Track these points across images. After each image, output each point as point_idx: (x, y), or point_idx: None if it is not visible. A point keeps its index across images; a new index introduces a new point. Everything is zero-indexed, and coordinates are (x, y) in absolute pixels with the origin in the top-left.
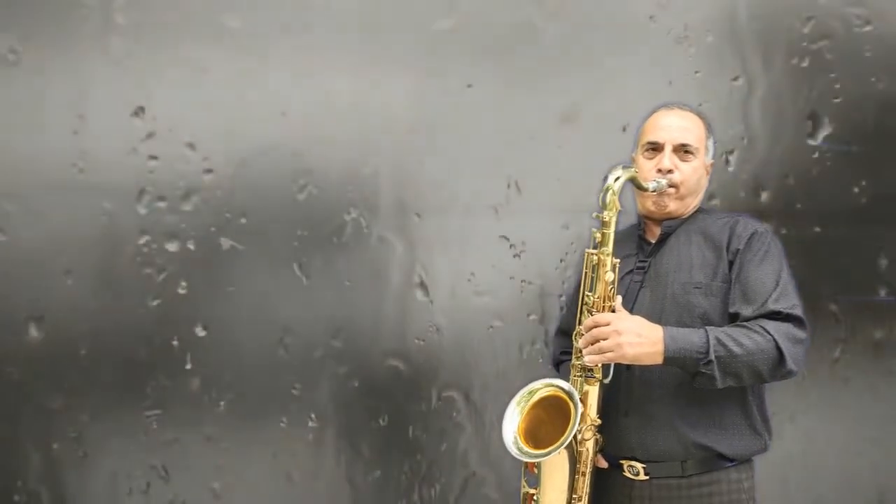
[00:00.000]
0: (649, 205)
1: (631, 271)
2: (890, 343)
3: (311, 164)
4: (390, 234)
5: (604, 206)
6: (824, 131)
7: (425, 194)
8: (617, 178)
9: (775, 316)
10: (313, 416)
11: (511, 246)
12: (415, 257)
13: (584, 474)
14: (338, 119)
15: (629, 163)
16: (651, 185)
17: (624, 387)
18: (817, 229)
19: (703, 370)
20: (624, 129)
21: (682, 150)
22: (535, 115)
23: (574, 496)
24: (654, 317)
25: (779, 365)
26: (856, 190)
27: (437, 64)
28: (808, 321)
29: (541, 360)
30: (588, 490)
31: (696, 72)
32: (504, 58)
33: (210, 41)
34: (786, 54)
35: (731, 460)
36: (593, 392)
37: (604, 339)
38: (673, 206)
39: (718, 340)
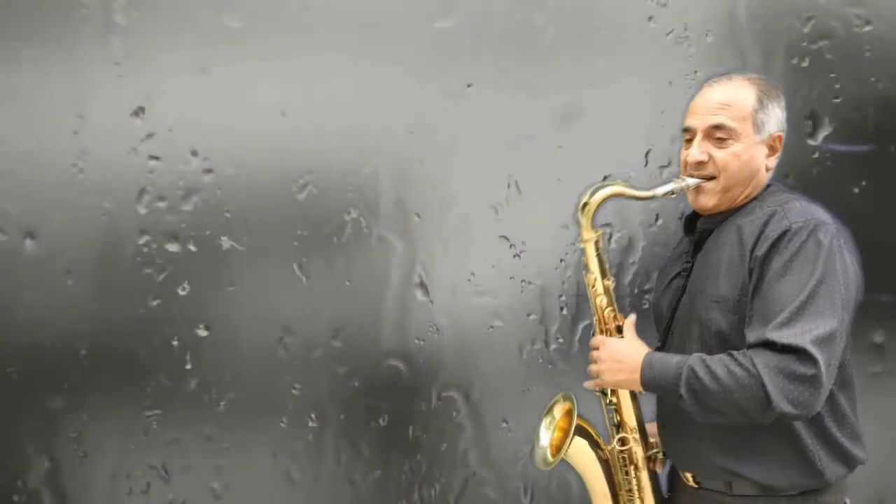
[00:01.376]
0: (691, 201)
1: (678, 274)
2: (890, 343)
3: (311, 164)
4: (390, 234)
5: (579, 232)
6: (824, 131)
7: (425, 194)
8: (585, 204)
9: (771, 346)
10: (313, 416)
11: (511, 246)
12: (415, 257)
13: (627, 473)
14: (338, 119)
15: (617, 175)
16: (660, 191)
17: (659, 397)
18: None
19: (680, 403)
20: (624, 129)
21: (717, 135)
22: (534, 115)
23: (625, 491)
24: (685, 330)
25: (765, 406)
26: (856, 190)
27: (437, 64)
28: (831, 349)
29: (541, 360)
30: (645, 485)
31: (696, 72)
32: (504, 58)
33: (210, 41)
34: (786, 54)
35: (781, 490)
36: (624, 400)
37: (593, 364)
38: (714, 201)
39: (693, 372)
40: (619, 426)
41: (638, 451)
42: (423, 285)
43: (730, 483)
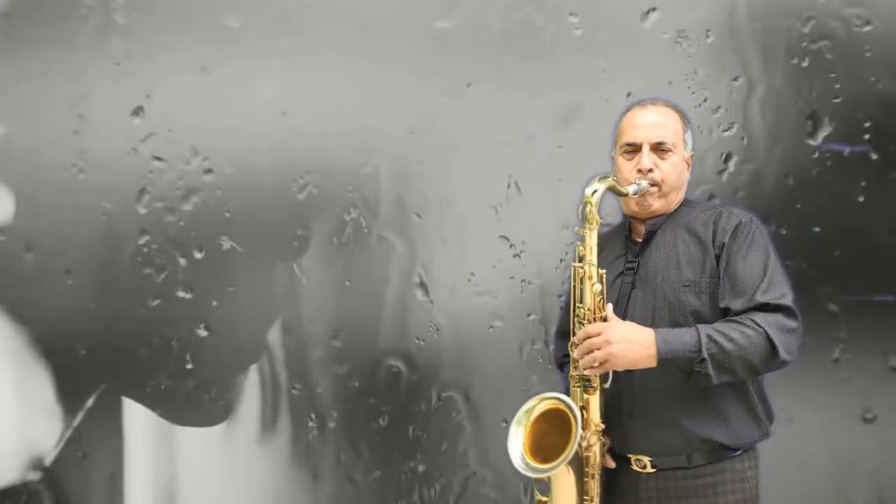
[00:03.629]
0: (633, 206)
1: (622, 273)
2: (890, 343)
3: (311, 164)
4: (390, 234)
5: (584, 220)
6: (824, 131)
7: (425, 194)
8: (594, 192)
9: (765, 308)
10: (313, 416)
11: (511, 246)
12: (415, 257)
13: (592, 477)
14: (338, 119)
15: (608, 171)
16: (631, 189)
17: (626, 389)
18: (817, 229)
19: (698, 368)
20: None
21: (660, 148)
22: (534, 115)
23: (585, 498)
24: (648, 316)
25: (772, 357)
26: (855, 190)
27: (437, 64)
28: (799, 309)
29: (540, 360)
30: (598, 491)
31: (696, 72)
32: (504, 58)
33: (210, 41)
34: (786, 54)
35: (735, 450)
36: (594, 398)
37: (597, 350)
38: (657, 204)
39: (710, 338)
40: (585, 424)
41: (596, 451)
42: (423, 285)
43: (690, 455)
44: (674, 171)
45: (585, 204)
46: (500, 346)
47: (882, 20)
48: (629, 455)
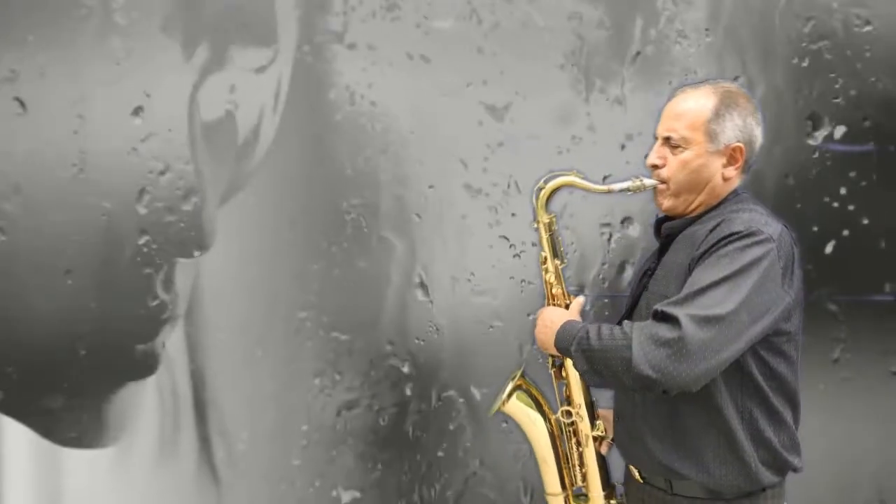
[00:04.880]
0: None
1: (646, 272)
2: (890, 343)
3: (310, 163)
4: (390, 234)
5: (536, 212)
6: (824, 131)
7: (425, 194)
8: (539, 189)
9: (655, 314)
10: (313, 416)
11: (511, 246)
12: (415, 257)
13: (571, 446)
14: (337, 118)
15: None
16: (617, 186)
17: (618, 391)
18: (817, 229)
19: (575, 364)
20: (624, 129)
21: (668, 143)
22: (535, 115)
23: (570, 464)
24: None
25: (629, 366)
26: (856, 190)
27: (437, 63)
28: (713, 331)
29: (541, 360)
30: (589, 462)
31: (696, 72)
32: (505, 57)
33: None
34: (786, 54)
35: (718, 497)
36: (574, 374)
37: (535, 328)
38: (666, 203)
39: (587, 333)
40: (569, 401)
41: (582, 428)
42: (423, 285)
43: (670, 482)
44: (681, 169)
45: (536, 194)
46: (500, 346)
47: (882, 20)
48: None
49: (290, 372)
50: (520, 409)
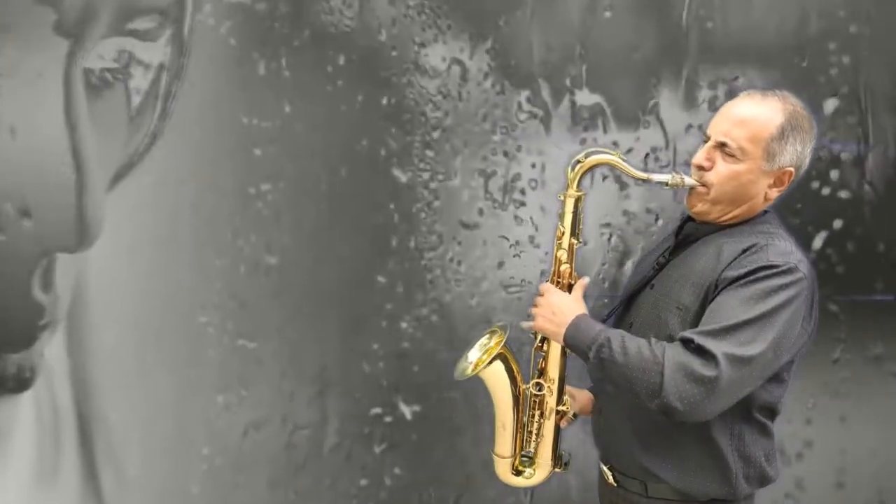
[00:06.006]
0: (685, 201)
1: (654, 264)
2: (890, 343)
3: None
4: (390, 233)
5: (568, 183)
6: (824, 131)
7: (426, 194)
8: (585, 157)
9: (687, 343)
10: (313, 416)
11: (511, 246)
12: (414, 257)
13: (533, 416)
14: (337, 118)
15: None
16: (657, 177)
17: (595, 381)
18: (815, 229)
19: (590, 368)
20: (624, 130)
21: (723, 150)
22: (535, 116)
23: (526, 431)
24: (639, 321)
25: (655, 393)
26: (856, 190)
27: (437, 64)
28: (742, 372)
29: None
30: (546, 433)
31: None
32: (506, 57)
33: None
34: (786, 54)
35: (695, 499)
36: (555, 349)
37: (534, 307)
38: (700, 207)
39: (609, 342)
40: (542, 374)
41: (550, 402)
42: (423, 285)
43: (645, 484)
44: (730, 180)
45: (573, 166)
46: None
47: (881, 20)
48: (600, 460)
49: (189, 384)
50: (493, 374)
